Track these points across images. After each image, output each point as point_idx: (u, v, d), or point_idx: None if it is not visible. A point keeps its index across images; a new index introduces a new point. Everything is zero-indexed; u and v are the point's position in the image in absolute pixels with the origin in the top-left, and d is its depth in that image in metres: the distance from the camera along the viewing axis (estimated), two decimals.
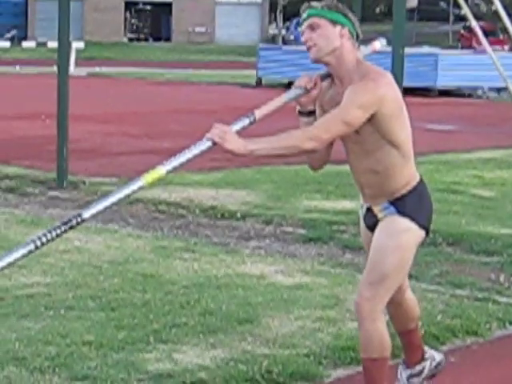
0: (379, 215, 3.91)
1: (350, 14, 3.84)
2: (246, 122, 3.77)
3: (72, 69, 22.27)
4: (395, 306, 4.14)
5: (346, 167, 3.87)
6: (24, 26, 49.34)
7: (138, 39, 54.09)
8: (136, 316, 5.10)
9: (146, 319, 5.05)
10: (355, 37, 3.81)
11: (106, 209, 3.65)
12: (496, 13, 11.42)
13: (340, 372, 4.43)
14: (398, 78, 7.62)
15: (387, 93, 3.70)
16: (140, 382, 4.17)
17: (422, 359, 4.31)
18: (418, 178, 3.90)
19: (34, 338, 4.64)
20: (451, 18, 52.08)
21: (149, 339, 4.67)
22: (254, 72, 28.39)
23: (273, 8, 53.21)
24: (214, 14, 54.24)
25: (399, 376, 4.36)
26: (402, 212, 3.85)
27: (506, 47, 8.14)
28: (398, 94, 3.84)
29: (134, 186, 3.64)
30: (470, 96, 24.89)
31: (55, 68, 11.92)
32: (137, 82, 26.66)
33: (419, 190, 3.91)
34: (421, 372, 4.35)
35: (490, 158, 12.77)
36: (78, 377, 4.19)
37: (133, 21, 54.46)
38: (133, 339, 4.68)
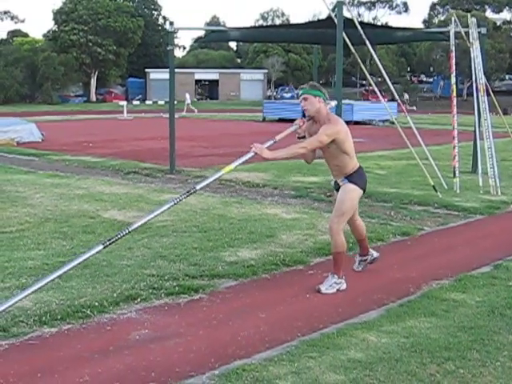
0: (340, 183, 7.06)
1: (322, 89, 6.95)
2: (271, 142, 6.94)
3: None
4: (353, 227, 7.49)
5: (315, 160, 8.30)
6: (144, 93, 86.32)
7: (201, 99, 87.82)
8: (217, 234, 9.42)
9: (222, 236, 9.36)
10: (325, 100, 6.91)
11: (207, 186, 7.11)
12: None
13: (318, 259, 8.36)
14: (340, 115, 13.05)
15: (340, 128, 6.83)
16: (222, 265, 7.90)
17: (367, 253, 7.73)
18: (358, 165, 7.08)
19: (168, 246, 8.78)
20: (358, 85, 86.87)
21: (224, 245, 8.81)
22: (261, 114, 46.42)
23: (269, 81, 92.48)
24: (239, 85, 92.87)
25: (355, 260, 7.77)
26: (350, 181, 6.99)
27: (385, 99, 12.59)
28: (345, 127, 6.91)
29: (219, 174, 6.97)
30: (369, 124, 39.50)
31: (161, 114, 34.07)
32: (202, 120, 44.08)
33: (359, 171, 7.07)
34: (366, 259, 7.78)
35: (381, 155, 21.18)
36: (192, 264, 7.94)
37: (199, 90, 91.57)
38: (216, 246, 8.81)
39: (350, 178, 7.09)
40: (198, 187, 6.79)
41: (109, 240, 6.17)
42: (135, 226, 6.47)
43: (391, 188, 13.91)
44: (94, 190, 13.61)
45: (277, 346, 5.51)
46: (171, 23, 16.62)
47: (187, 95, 54.85)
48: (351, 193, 7.07)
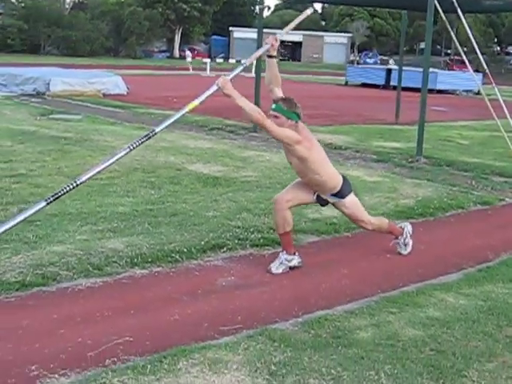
0: (331, 201, 6.59)
1: (299, 109, 6.35)
2: (240, 68, 6.21)
3: (253, 73, 35.56)
4: (287, 208, 6.49)
5: (393, 127, 8.43)
6: (227, 51, 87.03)
7: (284, 60, 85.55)
8: None
9: None
10: (297, 122, 6.27)
11: (167, 127, 6.01)
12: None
13: (398, 222, 8.15)
14: (425, 83, 13.20)
15: (301, 139, 6.15)
16: (305, 221, 8.08)
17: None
18: (342, 180, 6.47)
19: (253, 200, 9.01)
20: (443, 53, 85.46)
21: None
22: (343, 77, 47.12)
23: (352, 46, 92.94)
24: (323, 48, 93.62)
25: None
26: (343, 196, 6.53)
27: (471, 70, 12.41)
28: (311, 143, 6.27)
29: (182, 112, 6.02)
30: (452, 93, 39.13)
31: (243, 72, 24.03)
32: (285, 81, 35.87)
33: (345, 183, 6.50)
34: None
35: (464, 125, 21.08)
36: (266, 213, 8.56)
37: (282, 51, 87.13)
38: None
39: (340, 194, 6.61)
40: (157, 130, 6.05)
41: (53, 196, 5.53)
42: (83, 178, 5.82)
43: (473, 158, 13.89)
44: (179, 144, 13.97)
45: (358, 299, 5.72)
46: None
47: (187, 52, 55.00)
48: (351, 204, 6.70)
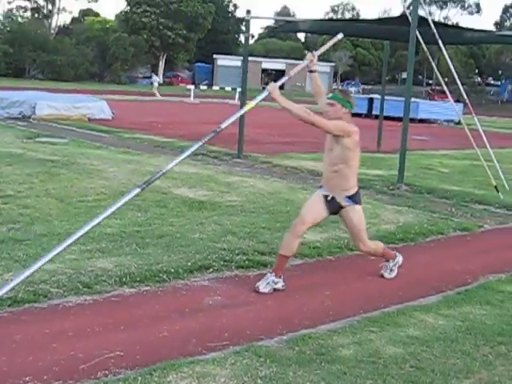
0: (343, 204, 6.80)
1: (352, 99, 6.77)
2: (286, 78, 7.18)
3: (236, 101, 42.45)
4: (302, 232, 6.90)
5: (374, 155, 8.69)
6: (211, 78, 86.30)
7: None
8: (284, 217, 9.81)
9: (289, 218, 9.69)
10: (351, 110, 6.71)
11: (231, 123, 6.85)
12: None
13: None
14: (407, 113, 13.28)
15: (353, 131, 6.57)
16: None
17: (279, 274, 6.73)
18: (357, 187, 6.85)
19: (238, 224, 9.14)
20: (424, 83, 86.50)
21: (289, 225, 9.44)
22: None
23: (335, 75, 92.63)
24: (306, 77, 79.36)
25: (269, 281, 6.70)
26: (356, 202, 6.87)
27: (452, 100, 12.71)
28: (357, 138, 6.60)
29: (241, 112, 7.41)
30: (434, 123, 39.55)
31: (227, 100, 41.90)
32: (268, 109, 38.76)
33: (358, 192, 6.91)
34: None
35: (445, 154, 21.53)
36: (260, 241, 8.32)
37: (265, 79, 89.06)
38: (283, 226, 8.99)
39: (354, 198, 6.97)
40: (223, 125, 7.04)
41: (145, 182, 6.41)
42: (168, 166, 6.62)
43: (453, 186, 14.17)
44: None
45: (340, 319, 5.91)
46: (248, 11, 17.01)
47: (154, 77, 55.15)
48: (360, 213, 7.03)
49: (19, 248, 7.35)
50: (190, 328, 5.51)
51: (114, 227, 8.62)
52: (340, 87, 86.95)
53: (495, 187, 13.25)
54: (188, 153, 6.66)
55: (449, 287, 7.12)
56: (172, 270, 6.92)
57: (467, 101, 14.44)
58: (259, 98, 6.92)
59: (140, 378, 4.43)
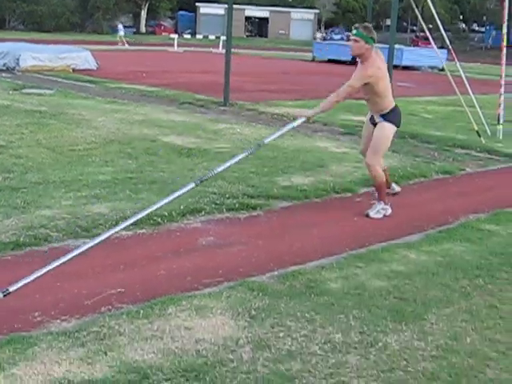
0: (377, 121, 7.68)
1: (374, 35, 7.47)
2: (302, 120, 7.53)
3: (220, 49, 43.60)
4: None
5: (358, 102, 8.88)
6: (194, 27, 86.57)
7: (251, 35, 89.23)
8: (271, 162, 10.09)
9: (276, 163, 10.01)
10: (373, 45, 7.45)
11: (278, 137, 7.39)
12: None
13: (365, 189, 8.98)
14: (391, 60, 12.85)
15: (372, 72, 7.31)
16: (277, 188, 8.52)
17: (389, 186, 8.37)
18: (393, 105, 7.62)
19: (227, 169, 9.65)
20: (408, 30, 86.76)
21: (278, 172, 9.50)
22: (310, 54, 47.75)
23: (319, 22, 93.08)
24: (289, 25, 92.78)
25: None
26: (385, 119, 7.59)
27: (435, 46, 12.92)
28: (381, 71, 7.39)
29: (294, 124, 7.36)
30: (418, 69, 40.23)
31: (211, 49, 43.67)
32: (252, 57, 44.48)
33: (394, 110, 7.63)
34: (392, 189, 8.56)
35: (428, 100, 21.80)
36: (249, 185, 8.57)
37: (249, 27, 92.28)
38: (271, 171, 9.48)
39: (386, 116, 7.68)
40: (266, 141, 7.35)
41: (200, 179, 6.47)
42: (220, 169, 6.72)
43: (436, 131, 14.47)
44: (152, 117, 14.35)
45: (328, 256, 6.23)
46: None
47: (120, 26, 53.96)
48: (386, 131, 7.70)
49: (16, 196, 7.60)
50: (186, 267, 5.81)
51: (106, 174, 8.87)
52: (324, 34, 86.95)
53: (477, 132, 13.56)
54: (232, 161, 6.87)
55: (431, 226, 7.44)
56: (166, 214, 7.19)
57: (450, 47, 14.63)
58: (297, 122, 7.53)
59: (142, 311, 4.74)
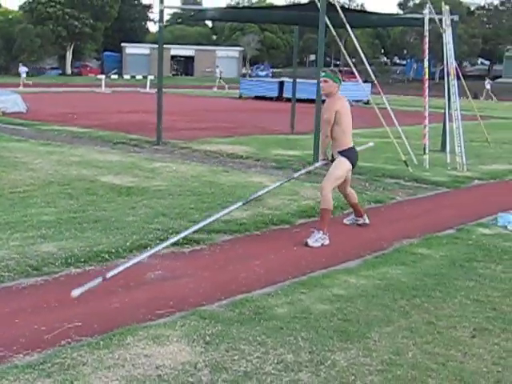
0: (335, 157, 8.54)
1: (339, 76, 8.52)
2: (322, 162, 8.84)
3: (148, 89, 47.23)
4: (347, 196, 8.98)
5: (289, 137, 9.37)
6: (120, 67, 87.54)
7: (177, 74, 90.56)
8: (209, 197, 10.39)
9: (214, 199, 10.35)
10: (340, 85, 8.50)
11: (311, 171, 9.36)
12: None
13: (302, 220, 9.40)
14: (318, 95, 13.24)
15: (339, 105, 8.44)
16: (218, 223, 9.12)
17: (361, 216, 9.12)
18: (351, 145, 8.53)
19: (167, 206, 9.74)
20: (332, 65, 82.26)
21: (217, 207, 9.70)
22: (236, 91, 48.96)
23: (244, 59, 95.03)
24: (215, 62, 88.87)
25: (349, 217, 9.28)
26: (342, 155, 8.49)
27: (360, 80, 13.46)
28: (344, 107, 8.55)
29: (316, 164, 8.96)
30: None
31: (138, 88, 45.41)
32: (180, 96, 45.19)
33: (351, 149, 8.55)
34: (358, 220, 9.16)
35: (356, 133, 21.38)
36: (191, 220, 8.74)
37: (174, 65, 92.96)
38: (210, 207, 9.71)
39: (343, 153, 8.54)
40: (295, 175, 9.27)
41: (246, 200, 8.11)
42: (261, 192, 8.55)
43: (366, 162, 14.93)
44: (88, 158, 14.54)
45: (272, 284, 6.55)
46: (161, 1, 17.41)
47: (22, 68, 52.99)
48: (342, 163, 8.50)
49: None
50: (138, 299, 6.06)
51: (49, 215, 9.04)
52: (249, 71, 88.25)
53: (405, 162, 14.13)
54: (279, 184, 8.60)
55: (367, 252, 7.85)
56: (113, 250, 7.42)
57: (375, 81, 15.23)
58: (319, 163, 9.10)
59: (102, 342, 4.97)
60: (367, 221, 9.27)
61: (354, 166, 8.69)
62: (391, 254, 7.75)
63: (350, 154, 8.57)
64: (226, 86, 57.55)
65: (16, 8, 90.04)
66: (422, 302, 6.10)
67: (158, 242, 7.90)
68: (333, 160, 8.66)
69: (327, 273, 6.98)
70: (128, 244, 7.70)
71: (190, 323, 5.41)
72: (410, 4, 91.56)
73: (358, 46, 14.94)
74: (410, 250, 7.92)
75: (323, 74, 8.63)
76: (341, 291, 6.35)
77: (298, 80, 23.63)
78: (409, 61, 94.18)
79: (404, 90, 65.36)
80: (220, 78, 59.36)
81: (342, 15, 14.12)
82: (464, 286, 6.64)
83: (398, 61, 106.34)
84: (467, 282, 6.81)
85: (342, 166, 8.51)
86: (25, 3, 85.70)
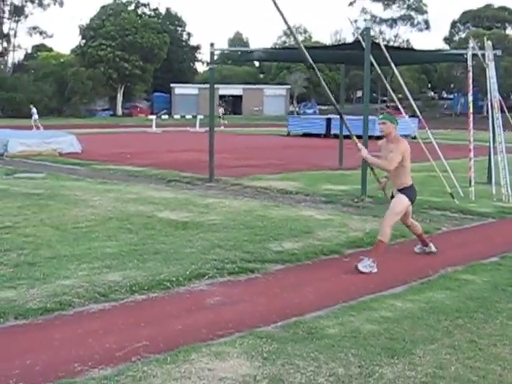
0: (395, 194, 9.11)
1: (396, 118, 9.18)
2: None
3: (197, 128, 49.58)
4: (410, 228, 9.58)
5: (340, 172, 9.84)
6: (169, 107, 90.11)
7: (226, 114, 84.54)
8: (262, 230, 10.87)
9: (266, 232, 10.83)
10: (396, 125, 9.12)
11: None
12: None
13: (351, 250, 9.81)
14: (365, 131, 14.10)
15: (406, 147, 8.95)
16: (270, 253, 9.46)
17: (427, 245, 9.65)
18: (411, 183, 9.05)
19: (222, 239, 10.17)
20: (379, 100, 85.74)
21: (269, 239, 10.19)
22: (284, 128, 49.99)
23: (291, 97, 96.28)
24: (263, 101, 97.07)
25: (418, 245, 9.80)
26: (402, 193, 9.02)
27: (406, 116, 13.93)
28: (408, 147, 9.04)
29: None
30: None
31: (188, 128, 48.77)
32: (229, 134, 45.87)
33: (411, 187, 9.08)
34: (425, 249, 9.67)
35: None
36: (245, 251, 9.27)
37: (223, 105, 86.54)
38: (263, 239, 10.20)
39: (403, 190, 9.09)
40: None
41: None
42: None
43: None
44: (144, 195, 15.17)
45: (323, 308, 7.00)
46: (212, 44, 18.14)
47: (34, 110, 49.65)
48: (401, 199, 9.03)
49: (34, 269, 8.34)
50: (200, 322, 6.55)
51: (112, 247, 9.62)
52: (297, 109, 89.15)
53: (451, 194, 14.49)
54: None
55: (413, 279, 8.25)
56: (174, 279, 7.95)
57: (420, 116, 15.67)
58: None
59: (169, 358, 5.47)
60: (433, 249, 9.74)
61: (413, 202, 9.25)
62: (436, 280, 8.15)
63: (409, 193, 9.10)
64: (226, 122, 57.80)
65: (68, 52, 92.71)
66: (465, 323, 6.50)
67: (215, 271, 8.42)
68: (392, 197, 9.21)
69: (375, 297, 7.41)
70: (187, 273, 8.21)
71: (248, 342, 5.89)
72: (456, 38, 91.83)
73: (402, 82, 15.41)
74: (455, 276, 8.32)
75: (381, 116, 9.35)
76: (388, 313, 6.77)
77: (345, 117, 24.11)
78: (456, 95, 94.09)
79: (451, 124, 65.39)
80: (219, 117, 58.22)
81: (387, 54, 14.61)
82: (505, 308, 7.02)
83: (445, 95, 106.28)
84: (509, 304, 7.19)
85: (402, 202, 9.01)
86: (76, 47, 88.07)
